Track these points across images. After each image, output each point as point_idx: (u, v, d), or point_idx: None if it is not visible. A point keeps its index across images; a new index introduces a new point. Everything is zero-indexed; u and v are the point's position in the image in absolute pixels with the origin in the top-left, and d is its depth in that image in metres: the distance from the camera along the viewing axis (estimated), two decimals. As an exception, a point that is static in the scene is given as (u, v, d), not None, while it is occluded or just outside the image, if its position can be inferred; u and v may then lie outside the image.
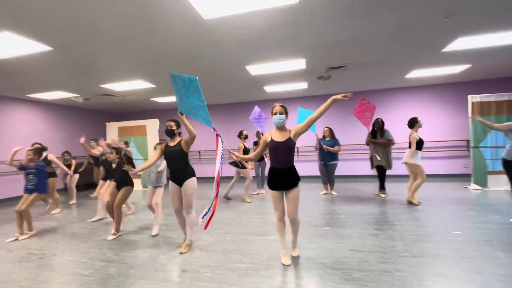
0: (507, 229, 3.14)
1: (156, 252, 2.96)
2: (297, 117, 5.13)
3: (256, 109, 5.73)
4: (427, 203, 4.42)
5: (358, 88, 7.31)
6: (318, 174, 5.76)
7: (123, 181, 3.63)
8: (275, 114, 2.50)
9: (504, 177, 4.24)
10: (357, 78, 6.16)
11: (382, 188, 5.22)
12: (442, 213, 3.91)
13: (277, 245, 2.94)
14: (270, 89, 6.83)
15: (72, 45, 3.58)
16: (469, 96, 5.61)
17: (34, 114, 6.91)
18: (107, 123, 7.84)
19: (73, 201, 5.97)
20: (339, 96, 2.30)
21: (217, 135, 2.55)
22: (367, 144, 5.23)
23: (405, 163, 4.51)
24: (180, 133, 3.05)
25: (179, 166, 2.90)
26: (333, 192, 5.58)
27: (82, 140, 4.96)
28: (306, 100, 7.87)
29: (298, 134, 2.50)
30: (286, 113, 2.53)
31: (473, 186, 5.55)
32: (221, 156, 2.53)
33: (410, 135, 4.46)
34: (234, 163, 5.28)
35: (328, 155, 5.36)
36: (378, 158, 5.01)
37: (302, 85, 6.61)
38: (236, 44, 3.84)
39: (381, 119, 5.17)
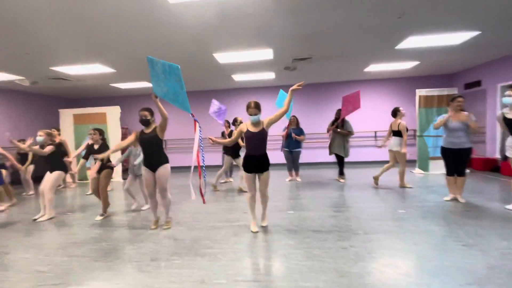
0: (441, 206, 3.67)
1: (123, 244, 2.91)
2: (277, 98, 5.12)
3: (214, 102, 5.61)
4: (379, 186, 4.92)
5: (322, 79, 7.65)
6: (283, 162, 6.01)
7: (104, 164, 3.72)
8: (251, 114, 2.86)
9: (442, 162, 4.88)
10: (321, 70, 6.44)
11: (341, 173, 5.66)
12: (390, 194, 4.41)
13: (245, 230, 3.09)
14: (238, 78, 6.82)
15: (14, 22, 3.19)
16: (417, 90, 6.24)
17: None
18: (60, 110, 7.15)
19: (31, 192, 5.58)
20: (294, 87, 2.71)
21: (195, 121, 2.67)
22: (328, 131, 5.59)
23: (392, 150, 4.76)
24: (154, 121, 3.20)
25: (153, 152, 3.10)
26: (298, 179, 5.90)
27: (8, 136, 3.87)
28: (273, 90, 8.04)
29: (270, 124, 2.90)
30: (260, 110, 2.90)
31: (417, 170, 6.28)
32: (200, 139, 2.65)
33: (398, 124, 4.68)
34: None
35: (293, 143, 5.61)
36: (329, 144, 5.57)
37: (270, 75, 6.72)
38: (203, 30, 3.75)
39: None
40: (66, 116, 7.04)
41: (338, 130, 5.41)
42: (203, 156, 2.70)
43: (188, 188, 2.83)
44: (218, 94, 8.28)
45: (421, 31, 4.10)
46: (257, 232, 3.00)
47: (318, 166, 7.89)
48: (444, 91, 6.10)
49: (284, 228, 3.13)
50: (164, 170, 3.11)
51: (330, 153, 5.66)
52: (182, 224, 3.43)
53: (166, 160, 3.16)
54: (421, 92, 6.19)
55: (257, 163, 2.93)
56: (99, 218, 3.77)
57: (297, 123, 5.73)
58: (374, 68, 6.35)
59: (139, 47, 4.28)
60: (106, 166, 3.75)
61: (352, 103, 5.12)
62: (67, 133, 6.85)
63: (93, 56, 4.64)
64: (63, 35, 3.64)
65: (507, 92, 3.33)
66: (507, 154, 3.42)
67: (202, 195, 2.75)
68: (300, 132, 5.67)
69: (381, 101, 7.81)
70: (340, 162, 5.62)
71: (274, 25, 3.67)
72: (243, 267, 2.29)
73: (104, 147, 3.82)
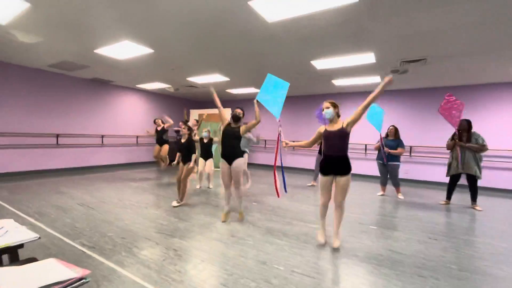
0: None
1: (214, 219, 3.60)
2: (367, 112, 4.87)
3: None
4: (504, 221, 3.75)
5: (444, 83, 6.41)
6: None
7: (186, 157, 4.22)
8: (323, 109, 2.79)
9: None
10: (441, 72, 5.45)
11: (474, 199, 4.56)
12: (527, 236, 3.29)
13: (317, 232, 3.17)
14: (338, 82, 6.71)
15: (166, 47, 4.50)
16: None
17: (139, 100, 8.80)
18: (190, 110, 9.29)
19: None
20: (386, 79, 2.47)
21: (279, 126, 3.16)
22: (450, 148, 4.60)
23: None
24: (243, 121, 3.60)
25: (232, 145, 3.37)
26: (400, 196, 5.15)
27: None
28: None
29: (351, 123, 2.65)
30: (334, 107, 2.74)
31: None
32: (280, 142, 3.09)
33: None
34: None
35: (387, 155, 5.03)
36: (459, 165, 4.43)
37: (375, 79, 6.25)
38: (300, 42, 4.04)
39: (466, 120, 4.50)
40: (193, 115, 9.08)
41: (465, 144, 4.39)
42: (281, 156, 3.10)
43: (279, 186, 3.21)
44: (317, 99, 8.37)
45: None
46: (324, 243, 2.83)
47: (427, 185, 6.65)
48: None
49: (358, 239, 3.00)
50: (239, 163, 3.33)
51: (448, 174, 4.69)
52: (263, 214, 3.85)
53: (241, 154, 3.38)
54: None
55: (335, 165, 2.66)
56: (175, 203, 4.11)
57: (395, 133, 5.12)
58: (527, 67, 4.79)
59: (246, 61, 5.06)
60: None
61: (451, 107, 4.38)
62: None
63: (214, 68, 5.82)
64: (199, 54, 4.80)
65: None
66: None
67: (277, 190, 3.07)
68: (397, 144, 5.03)
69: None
70: (474, 185, 4.52)
71: (371, 30, 3.52)
72: (303, 262, 2.44)
73: (190, 140, 4.30)
